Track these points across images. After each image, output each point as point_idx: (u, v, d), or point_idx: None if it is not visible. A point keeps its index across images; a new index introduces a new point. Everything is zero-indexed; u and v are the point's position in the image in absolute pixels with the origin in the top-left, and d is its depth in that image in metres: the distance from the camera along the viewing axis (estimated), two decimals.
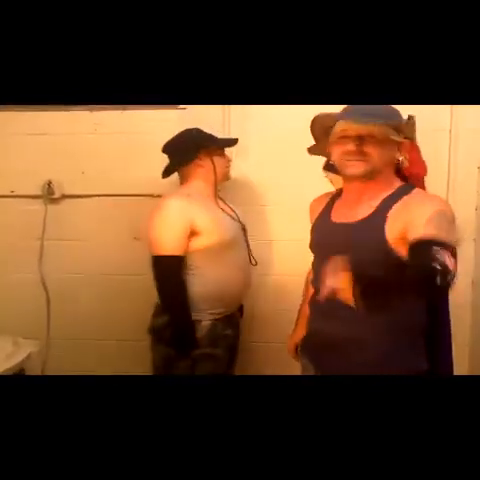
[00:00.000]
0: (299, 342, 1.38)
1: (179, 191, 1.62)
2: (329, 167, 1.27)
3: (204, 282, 1.55)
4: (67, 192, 1.96)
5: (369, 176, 1.12)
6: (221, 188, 1.76)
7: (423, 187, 1.29)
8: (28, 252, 1.97)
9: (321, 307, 1.21)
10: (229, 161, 1.68)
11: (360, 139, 1.10)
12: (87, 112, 1.93)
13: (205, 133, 1.64)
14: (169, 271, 1.51)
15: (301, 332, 1.38)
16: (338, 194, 1.26)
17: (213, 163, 1.62)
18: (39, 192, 1.95)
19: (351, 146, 1.10)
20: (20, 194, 1.97)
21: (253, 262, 1.69)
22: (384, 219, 1.10)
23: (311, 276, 1.37)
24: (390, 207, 1.11)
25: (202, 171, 1.61)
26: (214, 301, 1.55)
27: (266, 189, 1.93)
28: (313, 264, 1.28)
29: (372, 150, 1.10)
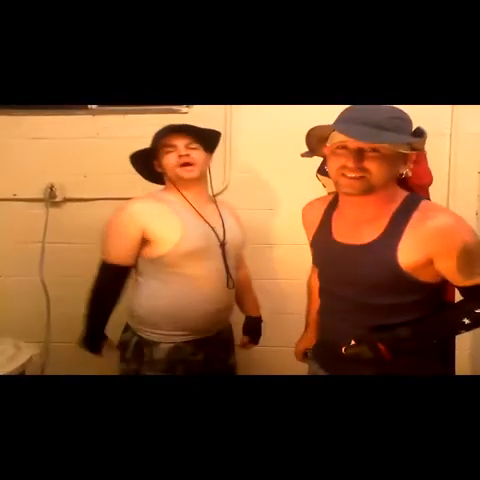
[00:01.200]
0: (309, 347, 1.36)
1: (151, 193, 1.48)
2: (324, 172, 1.20)
3: (158, 297, 1.41)
4: (69, 196, 1.97)
5: (370, 192, 1.02)
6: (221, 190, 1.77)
7: (427, 195, 1.26)
8: (30, 255, 1.98)
9: (334, 318, 1.19)
10: (182, 157, 1.39)
11: (361, 153, 0.98)
12: (89, 116, 1.94)
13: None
14: (109, 279, 1.42)
15: (311, 338, 1.36)
16: (334, 203, 1.17)
17: (156, 161, 1.45)
18: (41, 195, 1.96)
19: (350, 162, 0.98)
20: (22, 197, 1.98)
21: (230, 285, 1.45)
22: (396, 244, 1.03)
23: (313, 280, 1.37)
24: (401, 229, 1.03)
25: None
26: (173, 321, 1.39)
27: (269, 192, 1.94)
28: (319, 276, 1.25)
29: (373, 166, 0.98)
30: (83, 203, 1.97)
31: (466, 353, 1.87)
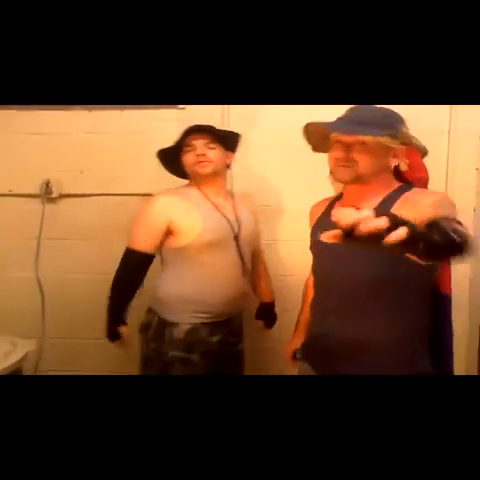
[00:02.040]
0: (298, 347, 1.36)
1: (176, 189, 1.61)
2: None
3: (181, 283, 1.54)
4: (65, 191, 1.96)
5: (360, 181, 1.13)
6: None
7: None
8: (26, 251, 1.97)
9: (324, 310, 1.21)
10: (199, 156, 1.53)
11: (349, 146, 1.11)
12: (86, 112, 1.93)
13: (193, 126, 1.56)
14: (131, 264, 1.54)
15: (300, 338, 1.37)
16: (338, 197, 1.27)
17: (179, 158, 1.56)
18: (37, 191, 1.94)
19: (340, 153, 1.12)
20: (18, 193, 1.96)
21: (245, 273, 1.60)
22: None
23: (311, 281, 1.37)
24: (392, 204, 1.11)
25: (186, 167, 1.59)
26: (193, 304, 1.52)
27: (268, 189, 1.93)
28: (313, 266, 1.27)
29: (360, 157, 1.11)
30: (79, 199, 1.96)
31: (463, 353, 1.87)
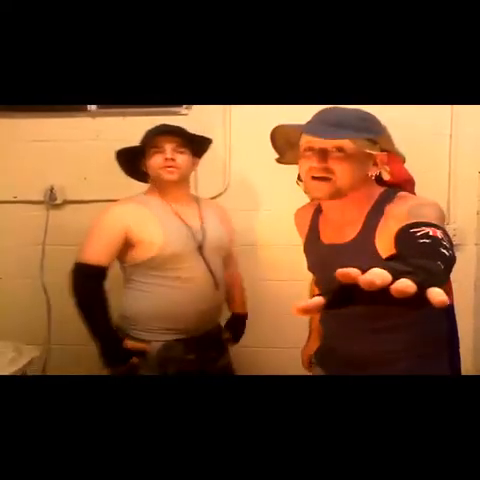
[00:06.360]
0: (312, 354, 1.35)
1: (134, 196, 1.51)
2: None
3: (148, 299, 1.43)
4: (69, 198, 1.97)
5: (338, 196, 0.99)
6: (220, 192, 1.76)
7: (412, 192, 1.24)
8: (30, 257, 1.98)
9: (336, 324, 1.17)
10: (167, 160, 1.41)
11: (325, 153, 0.96)
12: (89, 119, 1.94)
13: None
14: (85, 281, 1.39)
15: (314, 344, 1.36)
16: (320, 208, 1.16)
17: (142, 163, 1.48)
18: (41, 198, 1.96)
19: (315, 162, 0.96)
20: (22, 200, 1.98)
21: (216, 286, 1.47)
22: (373, 237, 1.00)
23: (316, 289, 1.35)
24: (376, 223, 1.01)
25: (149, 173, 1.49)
26: (163, 320, 1.42)
27: (267, 193, 1.94)
28: (316, 283, 1.25)
29: (338, 166, 0.96)
30: (83, 205, 1.97)
31: (469, 356, 1.86)
